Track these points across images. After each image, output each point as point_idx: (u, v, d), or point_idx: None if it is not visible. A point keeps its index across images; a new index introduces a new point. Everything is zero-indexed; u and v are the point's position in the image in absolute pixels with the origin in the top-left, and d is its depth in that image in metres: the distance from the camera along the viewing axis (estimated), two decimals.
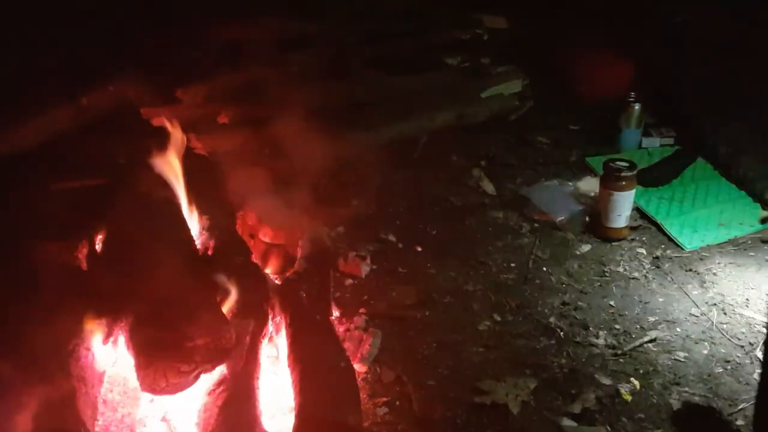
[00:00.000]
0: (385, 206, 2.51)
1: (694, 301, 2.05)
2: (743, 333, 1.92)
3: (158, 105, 2.72)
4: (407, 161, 2.78)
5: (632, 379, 1.77)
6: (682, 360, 1.84)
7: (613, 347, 1.88)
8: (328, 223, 2.32)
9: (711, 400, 1.71)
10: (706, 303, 2.04)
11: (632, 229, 2.36)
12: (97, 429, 1.50)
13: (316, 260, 1.99)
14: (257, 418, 1.46)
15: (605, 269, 2.20)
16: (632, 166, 2.32)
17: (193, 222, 1.95)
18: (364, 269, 2.16)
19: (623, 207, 2.30)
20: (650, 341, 1.90)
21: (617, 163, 2.32)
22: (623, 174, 2.28)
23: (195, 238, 1.86)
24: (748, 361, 1.82)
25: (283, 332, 1.72)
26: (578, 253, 2.28)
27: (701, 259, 2.23)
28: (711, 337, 1.91)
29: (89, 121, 2.73)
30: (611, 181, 2.30)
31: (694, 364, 1.83)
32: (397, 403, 1.70)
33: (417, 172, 2.72)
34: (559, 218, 2.40)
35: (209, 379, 1.51)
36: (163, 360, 1.42)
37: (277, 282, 1.89)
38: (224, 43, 2.99)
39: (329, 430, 1.42)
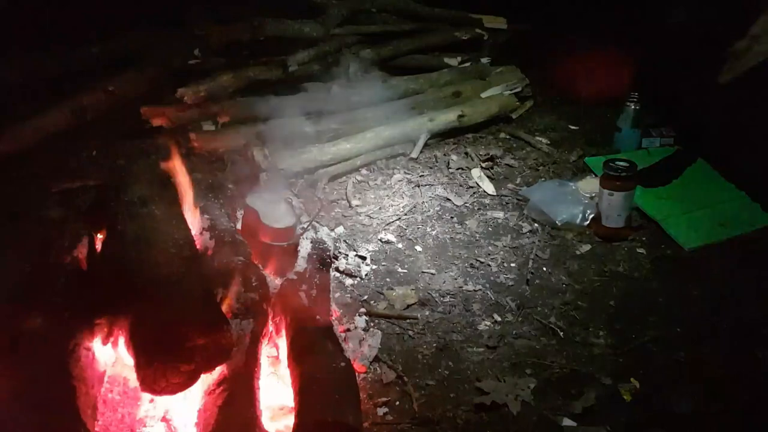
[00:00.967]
0: (385, 206, 2.51)
1: (694, 301, 2.05)
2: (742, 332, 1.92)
3: (158, 104, 2.73)
4: (407, 161, 2.79)
5: (632, 379, 1.77)
6: (683, 359, 1.84)
7: (613, 347, 1.88)
8: (329, 223, 2.33)
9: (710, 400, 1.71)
10: (707, 302, 2.04)
11: (632, 229, 2.36)
12: (97, 429, 1.50)
13: (316, 260, 1.99)
14: (257, 418, 1.46)
15: (605, 269, 2.20)
16: (632, 166, 2.31)
17: (193, 222, 1.95)
18: (364, 269, 2.17)
19: (623, 207, 2.30)
20: (650, 341, 1.90)
21: (617, 163, 2.32)
22: (623, 174, 2.28)
23: (195, 238, 1.86)
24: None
25: (283, 332, 1.72)
26: (578, 253, 2.28)
27: (701, 259, 2.23)
28: (711, 336, 1.91)
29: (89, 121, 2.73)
30: (611, 181, 2.30)
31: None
32: (397, 403, 1.70)
33: (417, 172, 2.72)
34: (559, 218, 2.40)
35: (209, 379, 1.51)
36: (163, 360, 1.42)
37: (277, 282, 1.89)
38: (225, 43, 2.99)
39: (329, 430, 1.42)
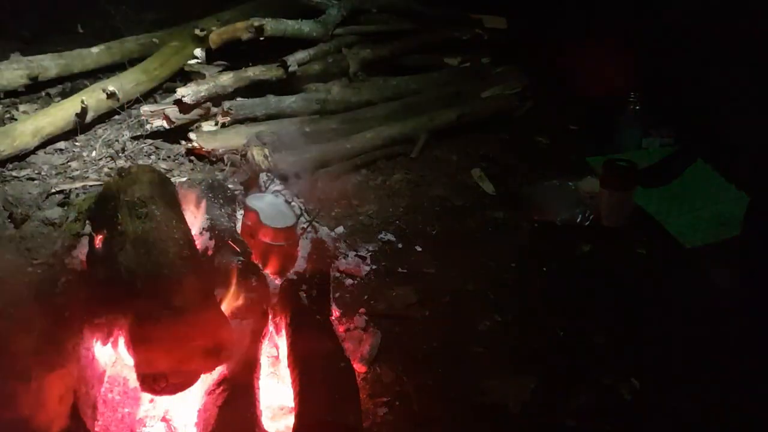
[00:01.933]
0: (385, 206, 2.51)
1: (695, 299, 2.05)
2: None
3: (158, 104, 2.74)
4: (407, 161, 2.78)
5: (632, 378, 1.77)
6: (684, 360, 1.84)
7: (614, 347, 1.88)
8: (329, 223, 2.33)
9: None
10: (707, 301, 2.04)
11: (632, 228, 2.36)
12: (97, 429, 1.50)
13: (316, 260, 1.99)
14: (257, 418, 1.46)
15: (605, 269, 2.19)
16: (632, 166, 2.31)
17: (193, 222, 1.95)
18: (364, 269, 2.16)
19: (623, 207, 2.30)
20: (650, 340, 1.90)
21: (617, 163, 2.32)
22: (623, 174, 2.28)
23: (195, 238, 1.86)
24: None
25: (283, 332, 1.72)
26: (578, 253, 2.27)
27: (701, 258, 2.23)
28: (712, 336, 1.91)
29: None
30: (611, 181, 2.30)
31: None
32: (397, 403, 1.70)
33: (417, 172, 2.72)
34: (559, 218, 2.40)
35: (209, 379, 1.51)
36: (163, 360, 1.42)
37: (277, 282, 1.89)
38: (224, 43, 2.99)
39: (329, 430, 1.42)
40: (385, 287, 2.10)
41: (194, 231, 1.89)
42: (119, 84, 2.79)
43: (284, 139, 2.57)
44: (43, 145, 2.60)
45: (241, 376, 1.52)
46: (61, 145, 2.65)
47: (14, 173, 2.47)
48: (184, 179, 2.42)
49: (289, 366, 1.63)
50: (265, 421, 1.50)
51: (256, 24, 2.81)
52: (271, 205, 2.04)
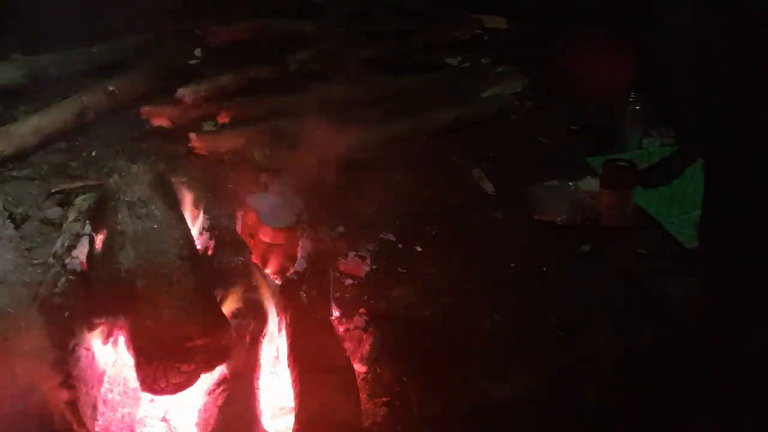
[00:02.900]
0: (385, 206, 2.50)
1: (695, 299, 2.04)
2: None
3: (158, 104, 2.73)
4: (407, 161, 2.78)
5: (632, 378, 1.77)
6: (687, 360, 1.84)
7: (614, 346, 1.88)
8: (329, 223, 2.33)
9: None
10: (707, 301, 2.04)
11: (632, 228, 2.36)
12: (97, 429, 1.50)
13: (316, 260, 1.99)
14: (257, 418, 1.46)
15: (605, 269, 2.19)
16: (632, 166, 2.31)
17: (193, 222, 1.95)
18: (364, 269, 2.16)
19: (623, 207, 2.30)
20: (651, 340, 1.90)
21: (617, 163, 2.32)
22: (623, 174, 2.28)
23: (195, 238, 1.86)
24: None
25: (283, 332, 1.72)
26: (578, 253, 2.27)
27: (702, 258, 2.23)
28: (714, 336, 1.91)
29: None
30: (611, 181, 2.30)
31: None
32: (397, 403, 1.69)
33: (417, 172, 2.72)
34: (559, 218, 2.40)
35: (209, 379, 1.51)
36: (163, 360, 1.42)
37: (277, 282, 1.89)
38: (224, 43, 2.99)
39: (329, 430, 1.42)
40: (385, 287, 2.10)
41: (194, 231, 1.89)
42: (119, 83, 2.80)
43: (284, 138, 2.57)
44: (43, 144, 2.60)
45: (241, 376, 1.52)
46: (61, 144, 2.65)
47: (14, 173, 2.47)
48: (184, 179, 2.41)
49: (289, 366, 1.63)
50: (265, 421, 1.49)
51: (255, 23, 2.82)
52: (271, 205, 2.04)
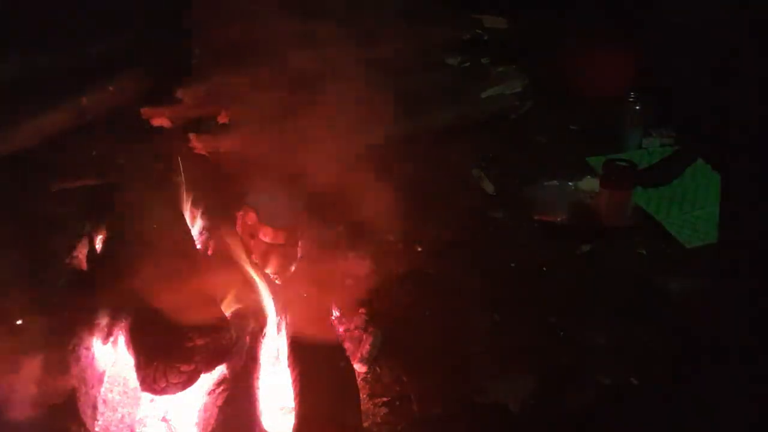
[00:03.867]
0: (385, 206, 2.50)
1: (695, 299, 2.05)
2: None
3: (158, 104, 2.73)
4: (407, 161, 2.78)
5: (632, 378, 1.77)
6: (687, 360, 1.84)
7: (614, 346, 1.88)
8: (329, 223, 2.33)
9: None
10: (707, 301, 2.04)
11: (632, 228, 2.36)
12: (97, 429, 1.50)
13: (316, 260, 1.99)
14: (257, 418, 1.46)
15: (605, 269, 2.19)
16: (632, 166, 2.31)
17: (193, 222, 1.95)
18: (364, 269, 2.16)
19: (623, 207, 2.30)
20: (652, 340, 1.90)
21: (617, 163, 2.32)
22: (623, 174, 2.28)
23: (195, 238, 1.86)
24: None
25: (283, 332, 1.72)
26: (578, 253, 2.27)
27: (702, 258, 2.23)
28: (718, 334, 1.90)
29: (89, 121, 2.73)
30: (611, 181, 2.30)
31: None
32: (397, 403, 1.70)
33: (417, 172, 2.71)
34: (559, 218, 2.40)
35: (209, 379, 1.51)
36: (163, 360, 1.42)
37: (277, 282, 1.89)
38: (225, 43, 2.99)
39: (329, 430, 1.42)
40: (385, 287, 2.10)
41: (194, 231, 1.89)
42: (119, 84, 2.79)
43: (283, 138, 2.57)
44: (43, 144, 2.59)
45: (241, 376, 1.52)
46: (61, 145, 2.65)
47: (14, 173, 2.47)
48: (184, 179, 2.41)
49: (289, 366, 1.63)
50: (265, 421, 1.50)
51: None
52: (271, 204, 2.04)
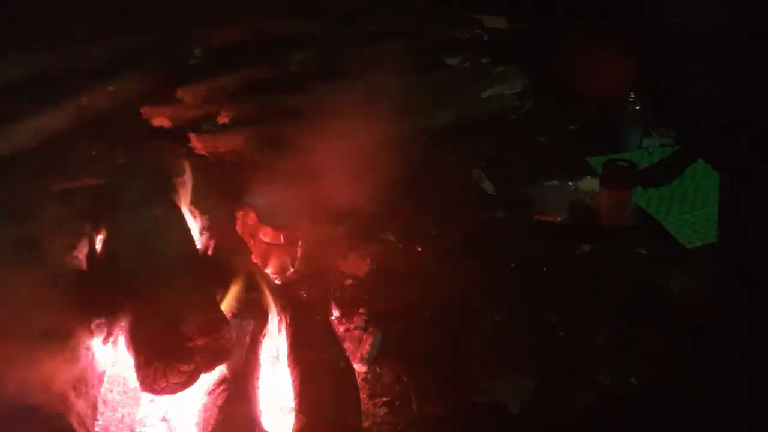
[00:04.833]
0: (385, 206, 2.50)
1: (695, 299, 2.05)
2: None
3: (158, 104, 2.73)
4: (407, 161, 2.78)
5: (632, 378, 1.77)
6: (687, 359, 1.84)
7: (614, 346, 1.88)
8: (329, 223, 2.33)
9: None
10: (707, 301, 2.04)
11: (632, 228, 2.36)
12: (97, 429, 1.50)
13: (316, 260, 1.99)
14: (257, 418, 1.46)
15: (605, 269, 2.19)
16: (632, 166, 2.31)
17: (193, 222, 1.95)
18: (364, 269, 2.16)
19: (623, 207, 2.30)
20: (652, 339, 1.90)
21: (617, 163, 2.32)
22: (623, 174, 2.28)
23: (195, 238, 1.86)
24: None
25: (283, 332, 1.72)
26: (578, 253, 2.28)
27: (702, 258, 2.23)
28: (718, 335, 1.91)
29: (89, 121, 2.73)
30: (611, 181, 2.30)
31: None
32: (397, 403, 1.70)
33: (417, 172, 2.71)
34: (559, 218, 2.40)
35: (209, 379, 1.51)
36: (163, 360, 1.42)
37: (277, 282, 1.89)
38: (224, 43, 2.99)
39: (329, 430, 1.42)
40: (385, 287, 2.10)
41: (194, 231, 1.89)
42: (119, 83, 2.80)
43: (284, 138, 2.57)
44: (43, 144, 2.59)
45: (241, 376, 1.52)
46: (62, 144, 2.65)
47: (14, 173, 2.47)
48: (184, 179, 2.41)
49: (289, 366, 1.63)
50: (265, 421, 1.50)
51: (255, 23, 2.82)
52: (271, 204, 2.04)
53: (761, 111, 2.59)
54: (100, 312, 1.57)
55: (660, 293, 2.09)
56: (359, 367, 1.76)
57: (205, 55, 3.01)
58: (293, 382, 1.57)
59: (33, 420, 1.33)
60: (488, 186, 2.64)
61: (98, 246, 1.81)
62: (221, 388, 1.49)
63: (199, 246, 1.83)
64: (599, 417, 1.67)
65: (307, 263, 1.97)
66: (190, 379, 1.45)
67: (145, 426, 1.57)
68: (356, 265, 2.17)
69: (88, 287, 1.65)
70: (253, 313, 1.65)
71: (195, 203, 1.99)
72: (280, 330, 1.73)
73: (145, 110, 2.68)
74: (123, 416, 1.58)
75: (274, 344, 1.74)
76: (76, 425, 1.36)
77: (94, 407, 1.50)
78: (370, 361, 1.81)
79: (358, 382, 1.62)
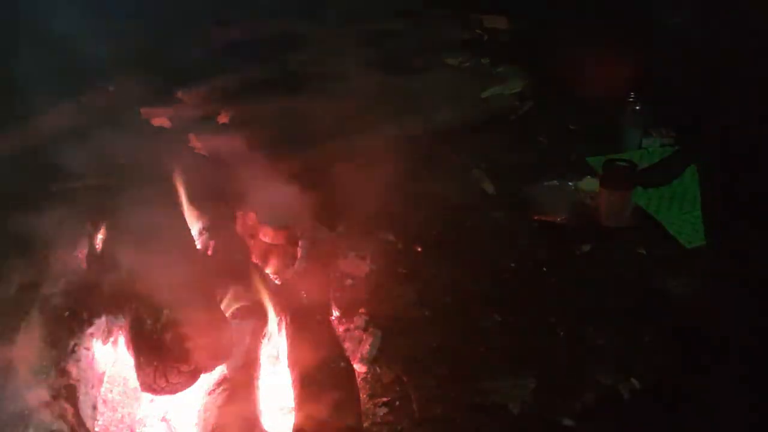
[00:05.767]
0: (385, 206, 2.50)
1: (695, 299, 2.05)
2: None
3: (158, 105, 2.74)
4: (407, 161, 2.78)
5: (632, 378, 1.77)
6: (688, 359, 1.84)
7: (614, 346, 1.88)
8: (329, 223, 2.33)
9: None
10: (707, 301, 2.04)
11: (632, 228, 2.36)
12: (97, 429, 1.50)
13: (316, 260, 1.99)
14: (257, 418, 1.46)
15: (605, 269, 2.19)
16: (632, 166, 2.31)
17: (193, 222, 1.95)
18: (364, 269, 2.16)
19: (623, 207, 2.30)
20: (651, 339, 1.90)
21: (617, 163, 2.32)
22: (623, 174, 2.28)
23: (195, 238, 1.87)
24: None
25: (283, 332, 1.72)
26: (578, 253, 2.27)
27: (702, 257, 2.23)
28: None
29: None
30: (611, 181, 2.30)
31: None
32: (397, 403, 1.70)
33: (417, 172, 2.72)
34: (559, 218, 2.40)
35: (209, 379, 1.51)
36: (163, 360, 1.42)
37: (277, 282, 1.89)
38: (225, 43, 2.99)
39: (329, 430, 1.42)
40: (385, 287, 2.10)
41: (194, 231, 1.89)
42: (119, 83, 2.80)
43: (284, 138, 2.57)
44: (43, 144, 2.59)
45: (241, 376, 1.52)
46: (62, 144, 2.65)
47: (14, 173, 2.47)
48: (185, 179, 2.42)
49: (289, 366, 1.63)
50: (265, 421, 1.50)
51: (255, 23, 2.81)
52: (271, 204, 2.04)
53: (761, 111, 2.60)
54: (100, 312, 1.57)
55: (660, 293, 2.09)
56: (359, 367, 1.76)
57: (205, 55, 3.01)
58: (293, 382, 1.57)
59: (33, 420, 1.34)
60: (488, 186, 2.64)
61: (98, 246, 1.81)
62: (221, 388, 1.49)
63: (199, 246, 1.83)
64: (599, 417, 1.67)
65: (307, 263, 1.97)
66: (190, 379, 1.45)
67: (145, 426, 1.57)
68: (356, 265, 2.17)
69: (88, 287, 1.65)
70: (253, 313, 1.65)
71: (195, 203, 1.98)
72: (280, 330, 1.73)
73: (145, 110, 2.68)
74: (123, 416, 1.58)
75: (274, 344, 1.74)
76: (76, 425, 1.36)
77: (94, 407, 1.50)
78: (370, 361, 1.81)
79: (358, 382, 1.62)
